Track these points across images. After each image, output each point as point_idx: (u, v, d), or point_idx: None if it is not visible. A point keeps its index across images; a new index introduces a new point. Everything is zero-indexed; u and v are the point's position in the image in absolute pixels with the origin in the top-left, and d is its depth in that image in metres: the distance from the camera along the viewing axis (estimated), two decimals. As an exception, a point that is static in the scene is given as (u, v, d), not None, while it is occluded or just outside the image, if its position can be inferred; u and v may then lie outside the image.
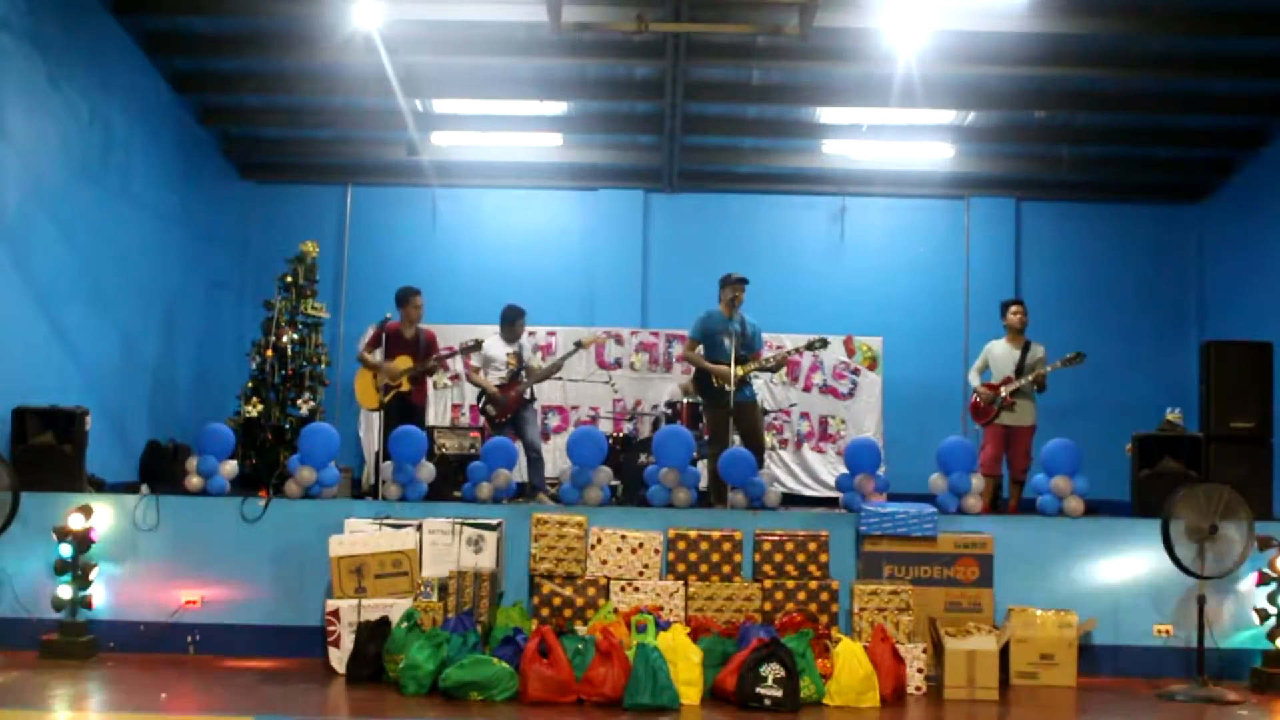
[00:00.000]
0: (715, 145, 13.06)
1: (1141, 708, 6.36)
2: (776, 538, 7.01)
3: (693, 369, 11.01)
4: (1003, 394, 8.96)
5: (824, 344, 9.06)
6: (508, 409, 9.43)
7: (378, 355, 9.01)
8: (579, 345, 10.16)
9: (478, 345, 9.54)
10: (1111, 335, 13.10)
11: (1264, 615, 6.88)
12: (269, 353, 10.73)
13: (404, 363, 9.20)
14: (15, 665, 6.61)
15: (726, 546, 6.96)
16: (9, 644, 6.98)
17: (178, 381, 11.75)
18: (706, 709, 6.05)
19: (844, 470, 7.81)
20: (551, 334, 12.51)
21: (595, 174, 13.42)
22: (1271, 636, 6.84)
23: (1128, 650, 7.06)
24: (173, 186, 11.62)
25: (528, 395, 9.61)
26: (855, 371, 12.66)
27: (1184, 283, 13.44)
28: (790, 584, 6.86)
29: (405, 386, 9.19)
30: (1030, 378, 8.89)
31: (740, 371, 8.28)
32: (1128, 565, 7.13)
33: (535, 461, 9.39)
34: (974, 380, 9.28)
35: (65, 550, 6.94)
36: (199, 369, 12.18)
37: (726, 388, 8.27)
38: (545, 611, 6.86)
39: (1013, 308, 9.34)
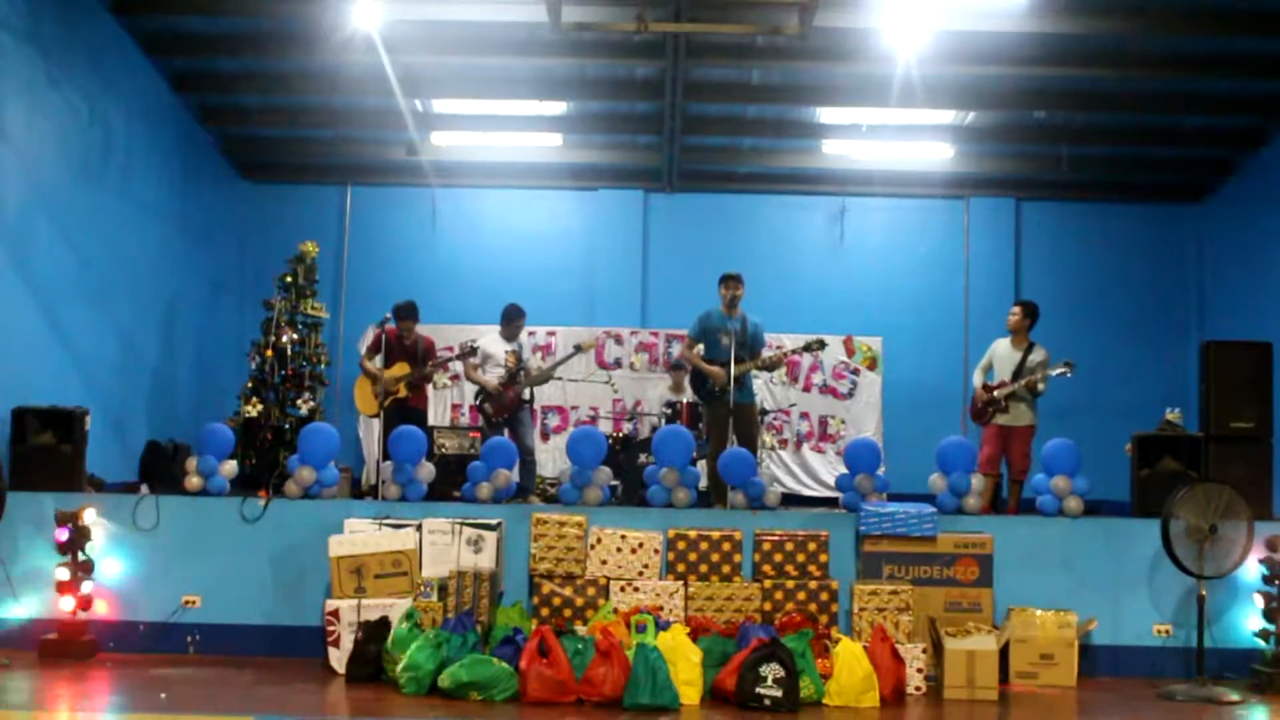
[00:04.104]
0: (715, 145, 13.06)
1: (1141, 708, 6.36)
2: (776, 538, 7.01)
3: (673, 371, 11.09)
4: (996, 396, 8.97)
5: (821, 345, 9.05)
6: (505, 408, 9.42)
7: (378, 361, 9.01)
8: (578, 349, 10.16)
9: (473, 350, 9.55)
10: (1111, 335, 13.14)
11: (1265, 615, 6.88)
12: (269, 353, 10.72)
13: (401, 369, 9.22)
14: (15, 665, 6.60)
15: (726, 546, 6.96)
16: (9, 644, 6.98)
17: (177, 381, 11.75)
18: (706, 709, 6.05)
19: (844, 470, 7.81)
20: (551, 334, 12.52)
21: (595, 174, 13.42)
22: (1268, 637, 6.85)
23: (1127, 650, 7.07)
24: (172, 186, 11.62)
25: (525, 396, 9.60)
26: (855, 371, 12.67)
27: (1184, 282, 13.45)
28: (790, 584, 6.86)
29: (403, 393, 9.19)
30: (1022, 382, 8.88)
31: (735, 371, 8.25)
32: (1127, 565, 7.13)
33: (528, 464, 9.34)
34: (977, 379, 9.29)
35: (65, 550, 6.94)
36: (199, 369, 12.19)
37: (718, 390, 8.27)
38: (545, 611, 6.86)
39: (1012, 309, 9.35)
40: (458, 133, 12.64)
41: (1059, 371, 8.80)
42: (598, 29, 9.94)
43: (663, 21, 9.81)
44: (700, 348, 8.58)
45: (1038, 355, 9.03)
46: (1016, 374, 8.97)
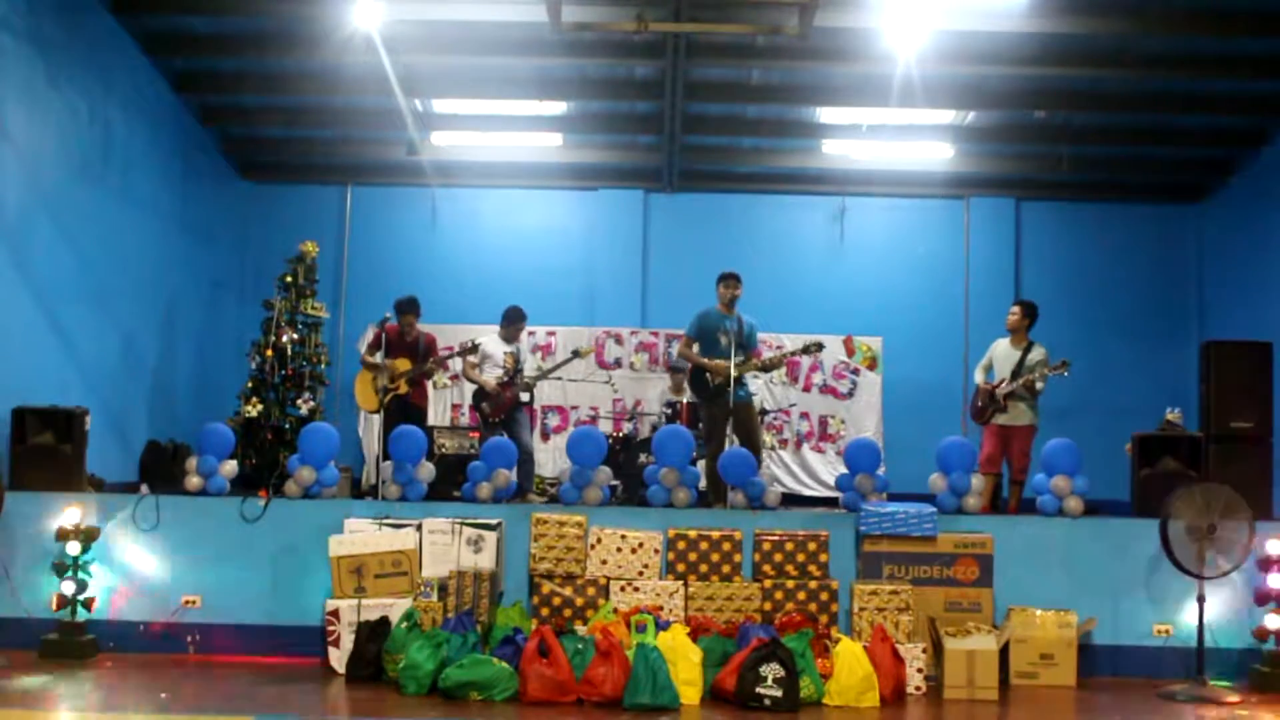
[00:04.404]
0: (715, 145, 13.06)
1: (1141, 708, 6.36)
2: (776, 538, 7.01)
3: (672, 373, 11.10)
4: (995, 395, 8.98)
5: (820, 348, 9.07)
6: (502, 408, 9.42)
7: (378, 357, 9.02)
8: (576, 354, 10.17)
9: (475, 348, 9.55)
10: (1111, 335, 13.13)
11: (1266, 615, 6.88)
12: (269, 352, 10.72)
13: (403, 365, 9.22)
14: (15, 665, 6.61)
15: (726, 546, 6.96)
16: (9, 644, 6.97)
17: (177, 381, 11.75)
18: (706, 709, 6.06)
19: (844, 470, 7.81)
20: (551, 334, 12.52)
21: (595, 174, 13.42)
22: (1268, 637, 6.85)
23: (1127, 650, 7.07)
24: (172, 186, 11.62)
25: (524, 398, 9.59)
26: (855, 371, 12.66)
27: (1184, 282, 13.45)
28: (790, 584, 6.87)
29: (403, 389, 9.19)
30: (1020, 381, 8.88)
31: (736, 371, 8.27)
32: (1127, 565, 7.13)
33: (525, 464, 9.31)
34: (978, 378, 9.30)
35: (65, 550, 6.94)
36: (199, 369, 12.19)
37: (717, 383, 8.28)
38: (545, 611, 6.86)
39: (1011, 309, 9.36)
40: (458, 132, 12.64)
41: (1055, 370, 8.79)
42: (598, 29, 9.94)
43: (663, 21, 9.81)
44: (697, 346, 8.60)
45: (1036, 354, 9.03)
46: (1015, 373, 8.97)
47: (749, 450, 7.82)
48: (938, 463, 7.56)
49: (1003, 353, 9.21)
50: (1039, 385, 8.86)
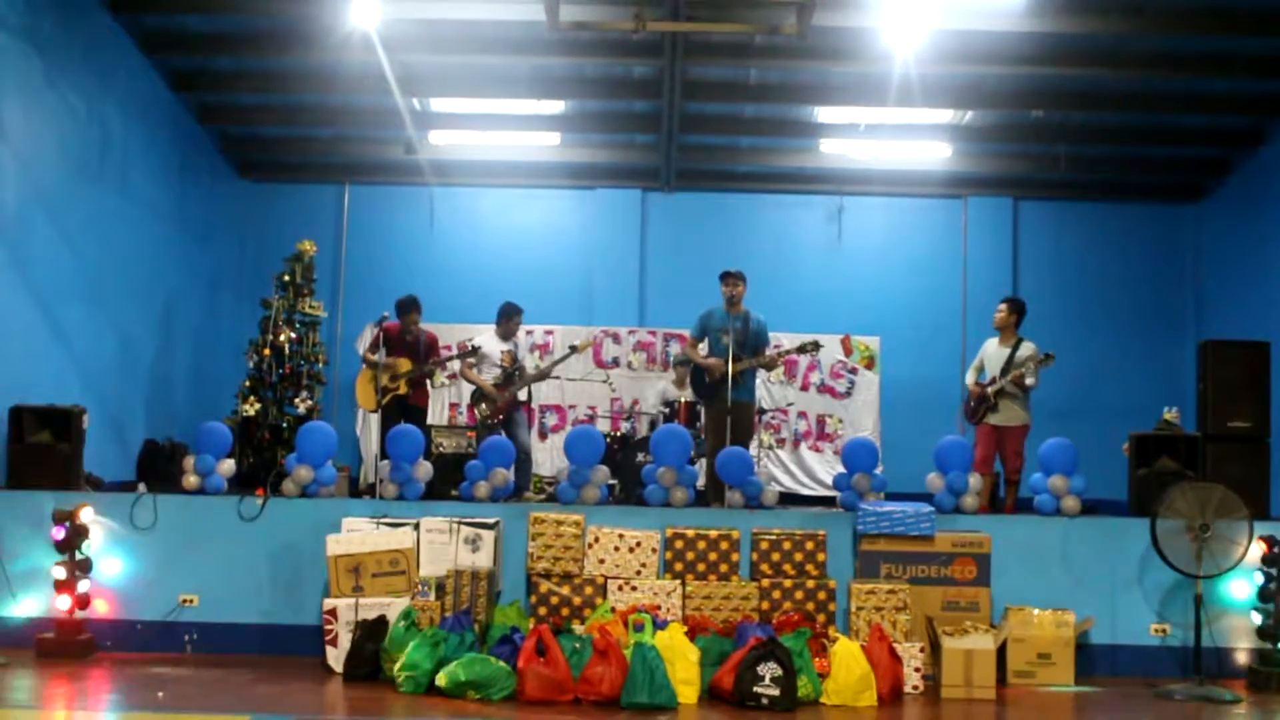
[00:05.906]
0: (713, 144, 13.06)
1: (1138, 707, 6.37)
2: (774, 537, 7.01)
3: (676, 368, 11.11)
4: (987, 393, 8.97)
5: (817, 347, 9.06)
6: (501, 409, 9.40)
7: (380, 356, 9.01)
8: (574, 349, 10.16)
9: (474, 352, 9.54)
10: (1109, 334, 13.15)
11: (1262, 614, 6.88)
12: (266, 351, 10.70)
13: (403, 365, 9.20)
14: (12, 664, 6.60)
15: (724, 545, 6.97)
16: (6, 643, 6.97)
17: (175, 380, 11.75)
18: (704, 708, 6.05)
19: (841, 469, 7.81)
20: (549, 333, 12.52)
21: (593, 173, 13.42)
22: (1267, 636, 6.85)
23: (1125, 649, 7.07)
24: (170, 185, 11.61)
25: (522, 396, 9.57)
26: (853, 371, 12.67)
27: (1181, 282, 13.46)
28: (788, 583, 6.87)
29: (403, 389, 9.17)
30: (1009, 378, 8.86)
31: (733, 369, 8.25)
32: (1125, 564, 7.13)
33: (524, 463, 9.33)
34: (969, 379, 9.28)
35: (62, 549, 6.93)
36: (196, 368, 12.18)
37: (713, 380, 8.28)
38: (543, 610, 6.86)
39: (998, 307, 9.31)
40: (456, 131, 12.64)
41: (1041, 364, 8.75)
42: (595, 28, 9.94)
43: (661, 20, 9.80)
44: (703, 346, 8.60)
45: (1025, 350, 9.01)
46: (1004, 370, 8.96)
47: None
48: (935, 462, 7.56)
49: (993, 352, 9.19)
50: (1029, 380, 8.82)
